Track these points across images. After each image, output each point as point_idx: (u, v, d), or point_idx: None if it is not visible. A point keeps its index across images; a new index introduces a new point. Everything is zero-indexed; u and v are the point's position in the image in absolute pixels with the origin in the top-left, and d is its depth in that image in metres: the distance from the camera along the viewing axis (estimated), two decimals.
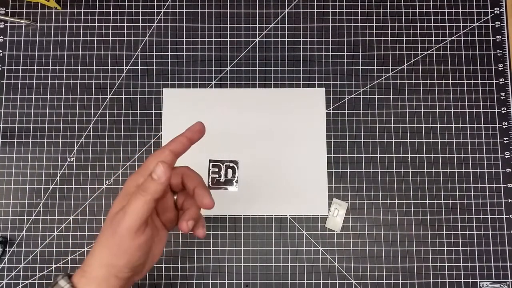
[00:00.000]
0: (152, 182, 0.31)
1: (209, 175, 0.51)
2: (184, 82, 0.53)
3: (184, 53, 0.53)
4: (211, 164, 0.51)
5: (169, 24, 0.54)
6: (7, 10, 0.54)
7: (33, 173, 0.51)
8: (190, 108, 0.52)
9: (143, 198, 0.31)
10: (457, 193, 0.51)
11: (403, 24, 0.54)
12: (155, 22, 0.54)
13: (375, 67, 0.53)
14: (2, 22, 0.54)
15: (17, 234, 0.50)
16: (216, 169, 0.51)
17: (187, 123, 0.52)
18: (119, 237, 0.30)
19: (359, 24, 0.54)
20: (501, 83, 0.53)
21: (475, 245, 0.50)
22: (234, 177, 0.51)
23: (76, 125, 0.52)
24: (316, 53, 0.53)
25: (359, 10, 0.54)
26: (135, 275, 0.33)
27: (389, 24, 0.54)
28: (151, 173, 0.31)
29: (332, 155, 0.51)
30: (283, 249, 0.50)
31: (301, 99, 0.52)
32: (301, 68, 0.53)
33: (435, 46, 0.53)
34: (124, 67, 0.53)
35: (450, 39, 0.54)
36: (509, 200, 0.51)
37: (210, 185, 0.50)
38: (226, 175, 0.51)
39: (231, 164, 0.51)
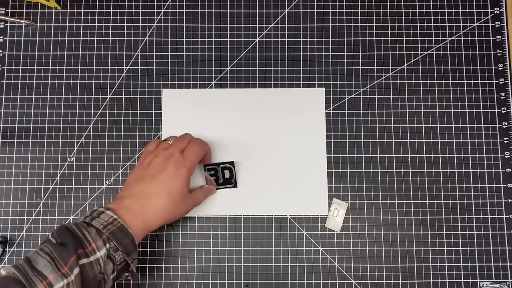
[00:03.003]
0: (212, 193, 0.50)
1: (206, 178, 0.51)
2: (184, 82, 0.53)
3: (184, 53, 0.53)
4: (206, 169, 0.51)
5: (169, 24, 0.54)
6: (7, 10, 0.54)
7: (33, 173, 0.51)
8: (189, 108, 0.52)
9: (205, 197, 0.49)
10: (457, 193, 0.51)
11: (403, 24, 0.54)
12: (155, 22, 0.54)
13: (375, 67, 0.53)
14: (2, 22, 0.54)
15: (17, 234, 0.50)
16: (213, 172, 0.51)
17: (187, 123, 0.52)
18: (189, 210, 0.46)
19: (359, 24, 0.54)
20: (501, 83, 0.53)
21: (475, 245, 0.50)
22: (232, 176, 0.51)
23: (76, 125, 0.52)
24: (316, 53, 0.53)
25: (359, 10, 0.54)
26: None
27: (389, 24, 0.54)
28: (211, 188, 0.50)
29: (332, 155, 0.51)
30: (283, 249, 0.50)
31: (301, 99, 0.52)
32: (301, 68, 0.53)
33: (435, 46, 0.53)
34: (124, 67, 0.53)
35: (450, 39, 0.54)
36: (509, 200, 0.51)
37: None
38: (223, 176, 0.51)
39: (227, 165, 0.51)
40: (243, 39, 0.54)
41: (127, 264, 0.40)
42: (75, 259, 0.35)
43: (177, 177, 0.42)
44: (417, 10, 0.54)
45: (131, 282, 0.49)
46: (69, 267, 0.35)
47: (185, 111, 0.52)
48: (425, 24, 0.54)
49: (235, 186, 0.51)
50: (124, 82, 0.53)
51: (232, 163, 0.51)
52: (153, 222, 0.41)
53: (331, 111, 0.52)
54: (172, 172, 0.42)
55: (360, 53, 0.53)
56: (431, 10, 0.54)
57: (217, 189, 0.51)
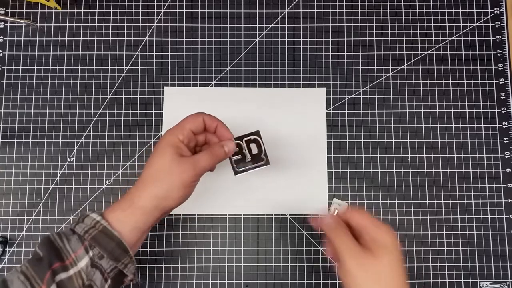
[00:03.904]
0: (223, 152, 0.40)
1: (230, 158, 0.42)
2: (184, 82, 0.53)
3: (184, 53, 0.53)
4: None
5: (169, 24, 0.54)
6: (7, 10, 0.54)
7: (33, 173, 0.51)
8: (190, 107, 0.52)
9: (212, 160, 0.39)
10: (457, 193, 0.51)
11: (403, 24, 0.54)
12: (155, 22, 0.54)
13: (375, 67, 0.53)
14: (2, 22, 0.54)
15: (17, 234, 0.50)
16: (237, 149, 0.42)
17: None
18: (187, 176, 0.37)
19: (359, 24, 0.54)
20: (501, 83, 0.53)
21: (475, 245, 0.50)
22: (261, 150, 0.42)
23: (76, 125, 0.52)
24: (316, 53, 0.53)
25: (359, 10, 0.54)
26: (170, 210, 0.39)
27: (389, 24, 0.54)
28: (223, 145, 0.40)
29: (332, 155, 0.51)
30: (283, 249, 0.50)
31: (302, 98, 0.52)
32: (301, 68, 0.53)
33: (435, 46, 0.53)
34: (124, 67, 0.53)
35: (450, 39, 0.54)
36: (509, 200, 0.51)
37: (237, 169, 0.42)
38: (250, 152, 0.42)
39: (252, 137, 0.42)
40: (243, 39, 0.54)
41: (122, 271, 0.36)
42: (50, 275, 0.32)
43: (158, 144, 0.38)
44: (417, 10, 0.54)
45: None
46: (46, 285, 0.32)
47: (186, 109, 0.52)
48: (425, 24, 0.54)
49: (267, 163, 0.42)
50: (124, 82, 0.53)
51: (257, 133, 0.42)
52: (140, 196, 0.36)
53: (331, 111, 0.52)
54: (157, 143, 0.39)
55: (360, 53, 0.53)
56: (431, 10, 0.54)
57: (246, 170, 0.42)
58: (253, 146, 0.42)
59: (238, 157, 0.42)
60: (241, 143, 0.42)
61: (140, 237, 0.37)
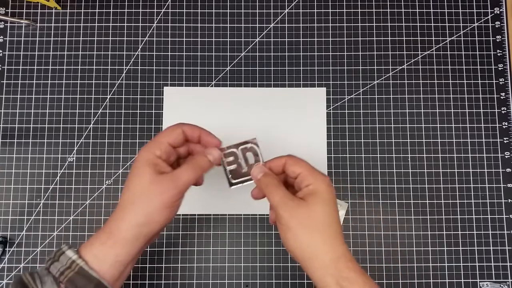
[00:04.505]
0: (207, 162, 0.36)
1: (225, 169, 0.38)
2: (184, 82, 0.53)
3: (184, 53, 0.53)
4: (223, 153, 0.38)
5: (169, 24, 0.54)
6: (7, 10, 0.54)
7: (33, 173, 0.51)
8: (190, 107, 0.52)
9: (195, 173, 0.35)
10: (457, 193, 0.51)
11: (403, 24, 0.54)
12: (155, 22, 0.54)
13: (375, 67, 0.53)
14: (2, 22, 0.54)
15: (17, 234, 0.50)
16: (232, 158, 0.38)
17: (188, 122, 0.52)
18: (168, 196, 0.33)
19: (359, 24, 0.54)
20: (501, 83, 0.53)
21: (475, 245, 0.50)
22: (258, 160, 0.38)
23: (76, 125, 0.52)
24: (316, 53, 0.53)
25: (359, 10, 0.54)
26: (157, 234, 0.35)
27: (389, 24, 0.54)
28: (207, 154, 0.36)
29: (332, 155, 0.51)
30: (283, 249, 0.49)
31: (302, 98, 0.52)
32: (301, 68, 0.53)
33: (435, 46, 0.53)
34: (124, 67, 0.53)
35: (450, 39, 0.54)
36: (509, 200, 0.51)
37: (232, 181, 0.38)
38: (247, 162, 0.38)
39: (249, 145, 0.38)
40: (243, 39, 0.54)
41: None
42: None
43: (134, 163, 0.35)
44: (417, 10, 0.54)
45: (131, 282, 0.49)
46: None
47: (186, 109, 0.52)
48: (425, 24, 0.54)
49: None
50: (124, 82, 0.53)
51: (254, 140, 0.38)
52: (118, 227, 0.33)
53: (331, 111, 0.52)
54: (133, 163, 0.35)
55: (360, 53, 0.53)
56: (431, 10, 0.54)
57: (243, 182, 0.39)
58: (250, 155, 0.38)
59: (234, 167, 0.38)
60: (236, 151, 0.38)
61: (124, 270, 0.34)
